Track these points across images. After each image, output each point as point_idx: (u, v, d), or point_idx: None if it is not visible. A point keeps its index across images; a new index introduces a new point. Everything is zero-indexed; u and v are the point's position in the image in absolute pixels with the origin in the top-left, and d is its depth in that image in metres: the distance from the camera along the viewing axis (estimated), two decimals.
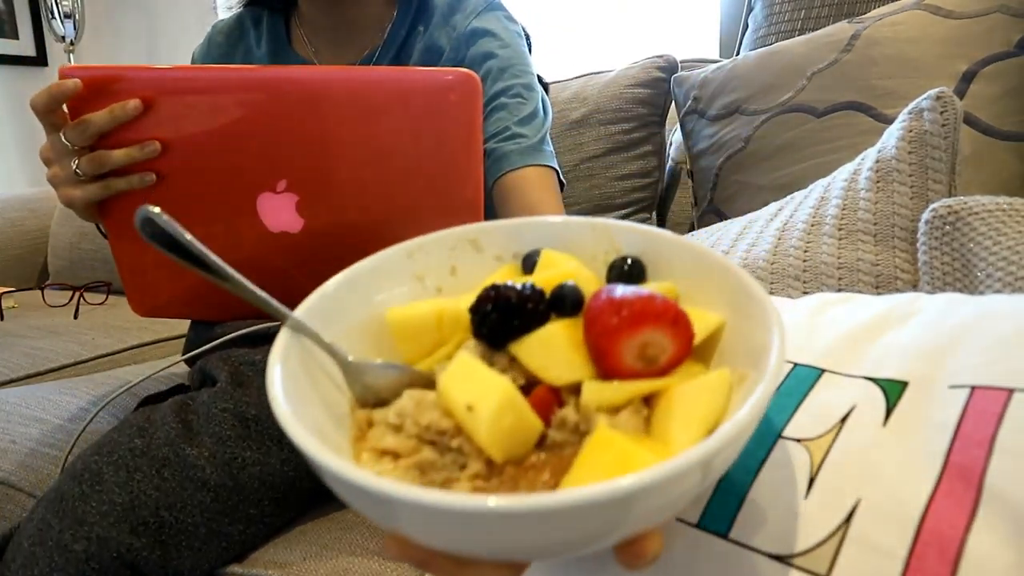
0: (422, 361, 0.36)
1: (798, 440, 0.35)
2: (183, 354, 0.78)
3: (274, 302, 0.33)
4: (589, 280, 0.35)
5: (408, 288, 0.39)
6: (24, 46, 2.43)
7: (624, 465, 0.27)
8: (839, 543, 0.30)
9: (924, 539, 0.29)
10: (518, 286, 0.32)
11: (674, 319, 0.30)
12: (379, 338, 0.37)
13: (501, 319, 0.32)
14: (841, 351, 0.39)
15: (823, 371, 0.39)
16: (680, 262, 0.37)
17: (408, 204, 0.59)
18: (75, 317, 1.34)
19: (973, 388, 0.33)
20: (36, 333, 1.21)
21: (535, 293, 0.32)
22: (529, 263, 0.39)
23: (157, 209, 0.32)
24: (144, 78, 0.56)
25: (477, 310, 0.33)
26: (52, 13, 2.14)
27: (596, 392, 0.30)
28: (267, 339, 0.65)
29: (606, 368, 0.31)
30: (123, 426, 0.58)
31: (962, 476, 0.30)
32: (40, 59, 2.47)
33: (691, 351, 0.32)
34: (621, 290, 0.31)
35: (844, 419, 0.35)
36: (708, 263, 0.35)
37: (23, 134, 2.45)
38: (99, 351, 1.12)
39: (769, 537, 0.32)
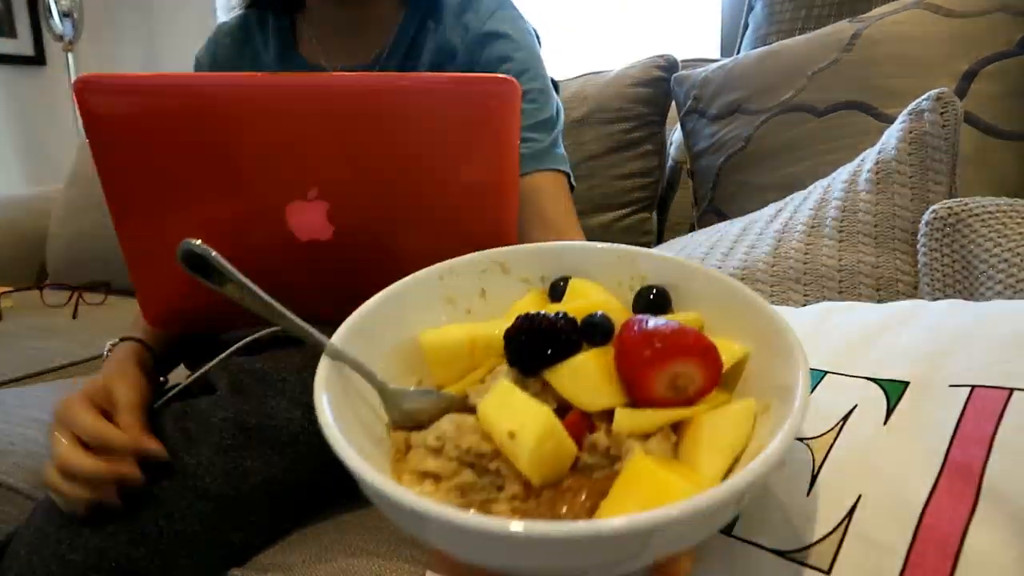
0: (455, 384, 0.37)
1: (800, 439, 0.35)
2: (181, 356, 0.78)
3: (315, 332, 0.34)
4: (617, 310, 0.37)
5: (440, 310, 0.40)
6: (22, 45, 2.43)
7: (661, 494, 0.28)
8: (840, 539, 0.30)
9: (924, 535, 0.29)
10: (551, 316, 0.34)
11: (703, 352, 0.32)
12: (412, 359, 0.38)
13: (535, 347, 0.33)
14: (843, 353, 0.40)
15: (825, 373, 0.39)
16: (704, 292, 0.38)
17: (443, 210, 0.57)
18: (74, 317, 1.34)
19: (973, 388, 0.33)
20: (35, 333, 1.21)
21: (568, 323, 0.34)
22: (556, 291, 0.40)
23: (199, 241, 0.33)
24: (175, 87, 0.54)
25: (512, 338, 0.34)
26: (50, 12, 2.13)
27: (628, 419, 0.32)
28: (265, 347, 0.65)
29: (638, 396, 0.32)
30: None
31: (962, 473, 0.30)
32: (39, 58, 2.47)
33: (719, 382, 0.33)
34: (653, 322, 0.32)
35: (846, 418, 0.35)
36: (733, 293, 0.37)
37: (21, 134, 2.45)
38: (98, 351, 1.12)
39: (772, 533, 0.32)
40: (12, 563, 0.53)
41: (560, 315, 0.34)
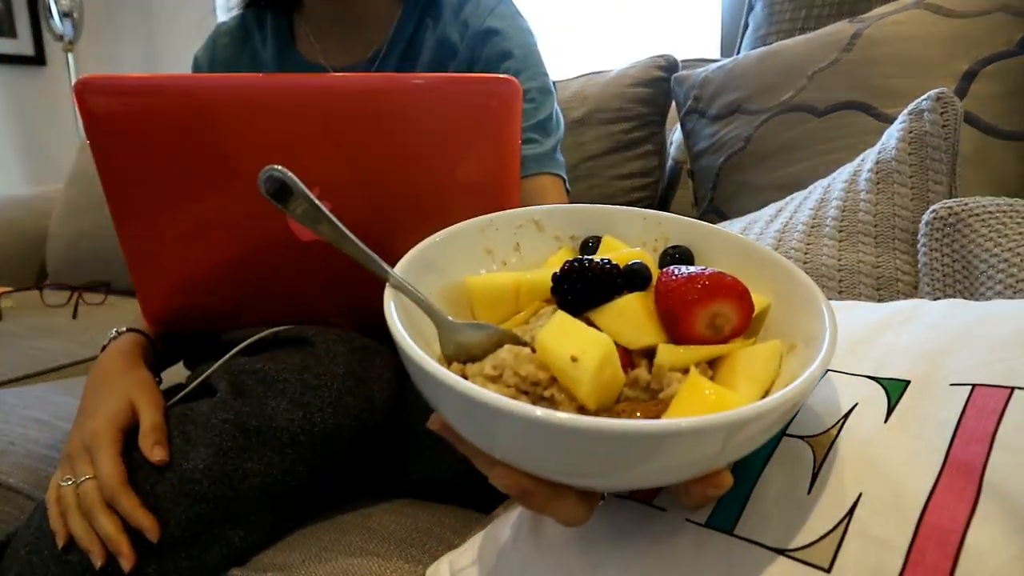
0: (499, 325, 0.39)
1: (801, 437, 0.36)
2: (181, 354, 0.77)
3: (380, 261, 0.36)
4: (649, 262, 0.39)
5: (480, 260, 0.43)
6: (22, 45, 2.43)
7: (719, 406, 0.29)
8: (841, 537, 0.31)
9: (925, 532, 0.29)
10: (598, 261, 0.36)
11: (740, 294, 0.35)
12: (457, 303, 0.40)
13: (584, 288, 0.36)
14: (844, 352, 0.40)
15: (826, 371, 0.39)
16: (724, 252, 0.41)
17: (444, 210, 0.58)
18: (74, 317, 1.34)
19: (974, 386, 0.33)
20: (35, 333, 1.21)
21: (613, 268, 0.36)
22: (587, 250, 0.43)
23: (281, 167, 0.35)
24: (176, 88, 0.54)
25: (562, 279, 0.36)
26: (50, 12, 2.13)
27: (670, 353, 0.34)
28: (265, 348, 0.64)
29: (679, 335, 0.35)
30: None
31: (963, 471, 0.30)
32: (39, 58, 2.47)
33: (750, 324, 0.36)
34: (694, 268, 0.36)
35: (846, 416, 0.35)
36: (753, 252, 0.40)
37: (21, 134, 2.45)
38: (98, 351, 1.11)
39: (773, 532, 0.32)
40: (12, 563, 0.53)
41: (605, 261, 0.36)
